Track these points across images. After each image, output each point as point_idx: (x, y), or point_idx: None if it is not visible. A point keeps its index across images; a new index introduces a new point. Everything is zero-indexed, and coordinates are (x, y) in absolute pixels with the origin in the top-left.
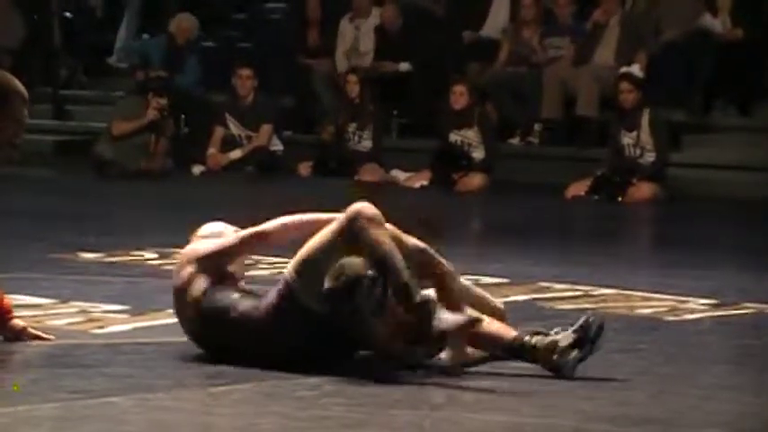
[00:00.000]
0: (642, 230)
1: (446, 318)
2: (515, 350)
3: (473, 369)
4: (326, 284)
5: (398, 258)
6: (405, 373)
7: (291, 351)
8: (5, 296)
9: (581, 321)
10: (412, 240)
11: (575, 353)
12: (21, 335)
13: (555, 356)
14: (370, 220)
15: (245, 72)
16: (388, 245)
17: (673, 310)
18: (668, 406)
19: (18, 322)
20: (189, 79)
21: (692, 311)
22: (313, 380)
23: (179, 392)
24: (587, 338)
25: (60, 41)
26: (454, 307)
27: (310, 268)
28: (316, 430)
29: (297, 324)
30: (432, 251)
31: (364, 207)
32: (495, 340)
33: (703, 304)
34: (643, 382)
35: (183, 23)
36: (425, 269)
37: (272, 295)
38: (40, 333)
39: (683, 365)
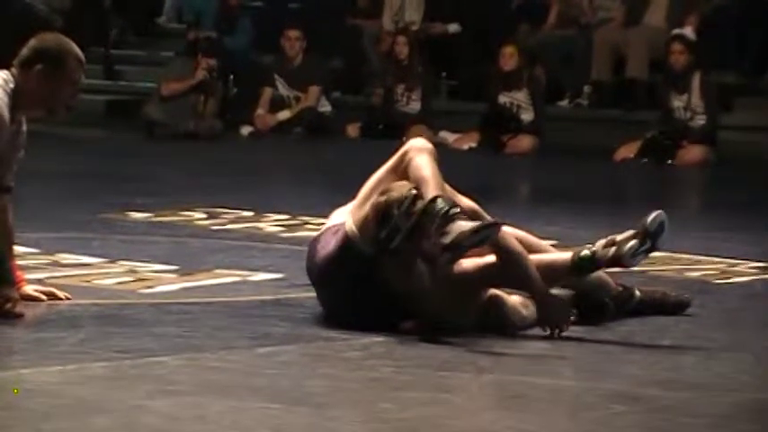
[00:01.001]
0: (692, 193)
1: (461, 224)
2: (576, 266)
3: (521, 333)
4: (373, 200)
5: (437, 180)
6: (452, 336)
7: (344, 301)
8: (18, 269)
9: (641, 221)
10: (464, 200)
11: (633, 242)
12: (34, 298)
13: (613, 249)
14: (420, 150)
15: (294, 33)
16: (432, 168)
17: (722, 274)
18: (717, 371)
19: (26, 289)
20: (241, 41)
21: (742, 275)
22: (361, 341)
23: (227, 353)
24: (647, 232)
25: (110, 1)
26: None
27: (368, 217)
28: (363, 392)
29: (352, 270)
30: (482, 212)
31: (417, 140)
32: (555, 268)
33: (753, 267)
34: (693, 346)
35: None
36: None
37: (332, 245)
38: (53, 290)
39: (732, 330)
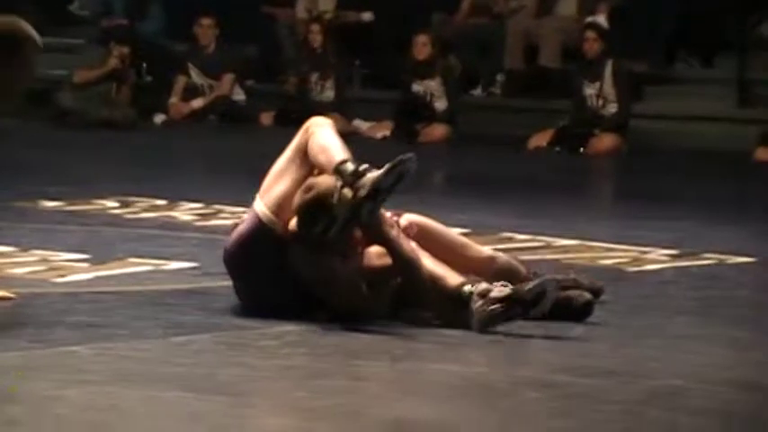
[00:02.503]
0: (604, 182)
1: (373, 173)
2: (456, 297)
3: (434, 321)
4: (297, 201)
5: (342, 144)
6: (366, 324)
7: (258, 286)
8: None
9: (530, 284)
10: None
11: (496, 306)
12: None
13: (479, 303)
14: (320, 124)
15: (207, 21)
16: (335, 136)
17: (635, 261)
18: (630, 357)
19: None
20: (153, 26)
21: (654, 262)
22: (275, 330)
23: (140, 342)
24: (521, 300)
25: None
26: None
27: (283, 198)
28: (278, 380)
29: (264, 251)
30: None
31: (316, 117)
32: (441, 286)
33: (665, 255)
34: (605, 333)
35: None
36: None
37: (243, 227)
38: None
39: (644, 316)
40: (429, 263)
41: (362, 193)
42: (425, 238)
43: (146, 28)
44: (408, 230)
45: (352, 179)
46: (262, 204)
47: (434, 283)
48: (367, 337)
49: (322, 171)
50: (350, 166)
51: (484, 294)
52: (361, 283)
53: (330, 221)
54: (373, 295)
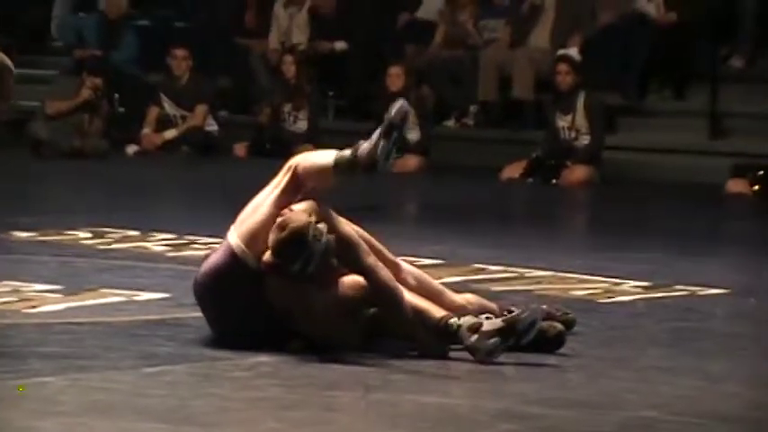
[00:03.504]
0: (577, 213)
1: (364, 145)
2: (442, 331)
3: (409, 352)
4: (272, 239)
5: (327, 152)
6: (339, 355)
7: (229, 317)
8: None
9: (515, 312)
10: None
11: (494, 340)
12: None
13: (474, 337)
14: (301, 156)
15: (181, 52)
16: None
17: (607, 293)
18: (603, 388)
19: None
20: (125, 55)
21: (626, 294)
22: (248, 361)
23: (113, 373)
24: (514, 330)
25: None
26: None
27: (257, 232)
28: (251, 411)
29: (236, 284)
30: (370, 239)
31: (298, 156)
32: (424, 318)
33: (637, 287)
34: (578, 364)
35: None
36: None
37: (214, 258)
38: None
39: (617, 348)
40: (407, 294)
41: (362, 160)
42: (401, 282)
43: (118, 57)
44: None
45: (350, 162)
46: (235, 236)
47: (416, 314)
48: (341, 368)
49: (317, 181)
50: (346, 152)
51: (475, 329)
52: (335, 312)
53: (308, 257)
54: (347, 325)
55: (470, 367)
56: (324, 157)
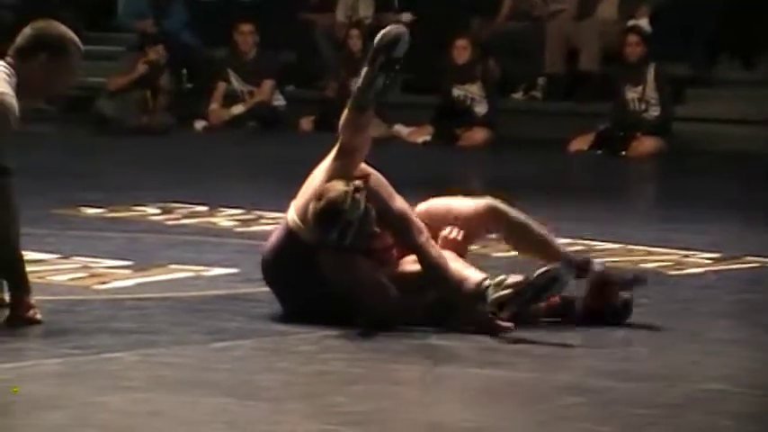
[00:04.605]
0: (645, 185)
1: None
2: (477, 295)
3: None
4: (310, 210)
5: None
6: (406, 329)
7: (293, 292)
8: None
9: (543, 269)
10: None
11: (509, 292)
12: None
13: (492, 291)
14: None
15: (247, 27)
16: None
17: (676, 265)
18: (670, 361)
19: None
20: (175, 23)
21: (696, 266)
22: (314, 335)
23: (181, 349)
24: (533, 284)
25: None
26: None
27: (307, 201)
28: (317, 385)
29: (295, 260)
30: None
31: None
32: (464, 285)
33: (706, 258)
34: (646, 337)
35: None
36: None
37: (274, 235)
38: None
39: (685, 320)
40: (458, 265)
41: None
42: (509, 231)
43: (170, 24)
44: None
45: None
46: (293, 211)
47: (460, 284)
48: (406, 341)
49: (352, 134)
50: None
51: (499, 284)
52: (390, 288)
53: (345, 227)
54: (407, 302)
55: (535, 340)
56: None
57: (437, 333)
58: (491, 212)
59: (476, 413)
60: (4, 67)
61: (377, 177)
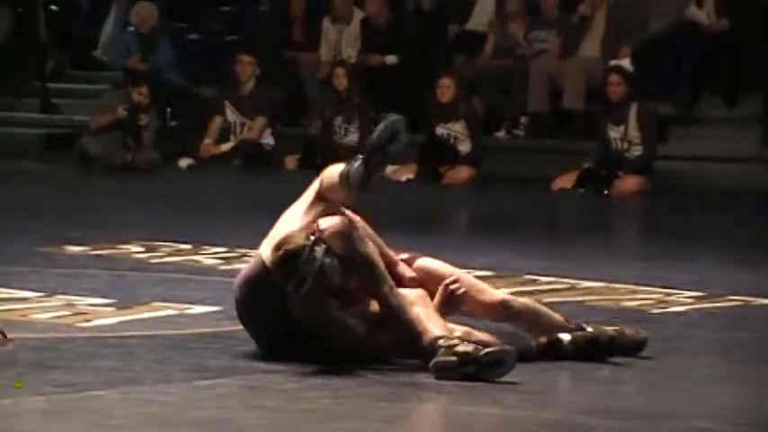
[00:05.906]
0: (628, 223)
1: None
2: (430, 350)
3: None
4: (269, 257)
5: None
6: (393, 365)
7: (264, 331)
8: None
9: (493, 348)
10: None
11: (452, 359)
12: None
13: (440, 353)
14: (327, 170)
15: (247, 58)
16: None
17: (659, 303)
18: (656, 399)
19: None
20: (161, 61)
21: (679, 304)
22: (299, 372)
23: (164, 386)
24: (476, 360)
25: (47, 34)
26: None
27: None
28: (302, 423)
29: (267, 296)
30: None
31: (327, 169)
32: (423, 336)
33: (690, 297)
34: (630, 375)
35: (142, 13)
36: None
37: (246, 270)
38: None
39: (670, 358)
40: (422, 314)
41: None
42: (437, 283)
43: (157, 63)
44: (411, 282)
45: (345, 176)
46: (267, 247)
47: (418, 335)
48: (392, 378)
49: (334, 195)
50: (354, 163)
51: (450, 347)
52: (356, 328)
53: (300, 281)
54: (377, 339)
55: (522, 377)
56: (339, 171)
57: (423, 370)
58: (502, 307)
59: None
60: None
61: (347, 220)
